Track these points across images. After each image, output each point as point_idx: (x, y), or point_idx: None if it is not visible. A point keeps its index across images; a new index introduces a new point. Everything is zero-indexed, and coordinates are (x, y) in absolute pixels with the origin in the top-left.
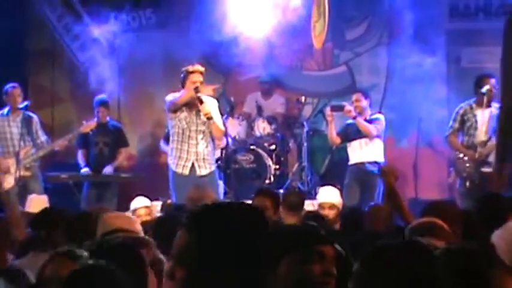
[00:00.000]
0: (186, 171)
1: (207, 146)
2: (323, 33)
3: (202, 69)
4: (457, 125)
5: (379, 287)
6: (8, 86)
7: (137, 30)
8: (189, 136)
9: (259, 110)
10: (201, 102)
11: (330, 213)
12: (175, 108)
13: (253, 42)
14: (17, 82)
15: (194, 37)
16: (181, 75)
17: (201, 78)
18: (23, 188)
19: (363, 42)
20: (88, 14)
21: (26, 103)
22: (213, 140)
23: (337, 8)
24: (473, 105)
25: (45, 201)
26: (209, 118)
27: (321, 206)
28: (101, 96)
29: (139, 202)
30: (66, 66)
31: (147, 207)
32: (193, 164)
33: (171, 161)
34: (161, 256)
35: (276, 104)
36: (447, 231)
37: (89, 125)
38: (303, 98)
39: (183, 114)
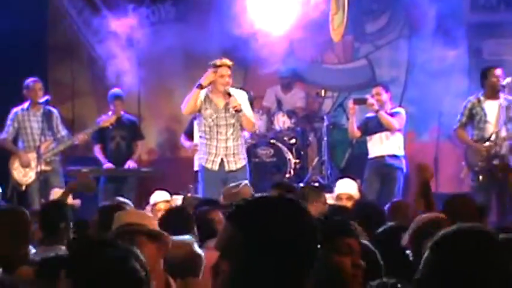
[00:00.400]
0: (216, 167)
1: (236, 141)
2: (342, 25)
3: (230, 63)
4: (464, 119)
5: (451, 272)
6: (29, 80)
7: (156, 24)
8: (217, 132)
9: (279, 104)
10: (229, 95)
11: (347, 205)
12: (195, 110)
13: (273, 36)
14: (37, 77)
15: (213, 31)
16: (208, 70)
17: (228, 72)
18: (44, 183)
19: (384, 35)
20: (107, 8)
21: (46, 98)
22: (242, 135)
23: (357, 1)
24: (481, 98)
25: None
26: (238, 111)
27: (338, 197)
28: (116, 90)
29: (159, 196)
30: (86, 61)
31: (167, 201)
32: (222, 160)
33: (201, 157)
34: None
35: (296, 98)
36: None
37: (108, 119)
38: (322, 92)
39: (208, 112)
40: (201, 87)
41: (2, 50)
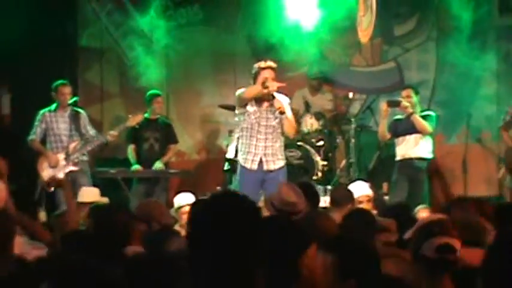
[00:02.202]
0: (255, 166)
1: (276, 141)
2: (370, 27)
3: (274, 65)
4: (508, 118)
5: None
6: (58, 82)
7: (185, 26)
8: (258, 131)
9: (307, 106)
10: (273, 97)
11: (368, 206)
12: (242, 103)
13: (301, 38)
14: (67, 79)
15: (242, 33)
16: (253, 72)
17: (272, 75)
18: (72, 183)
19: (412, 38)
20: (136, 10)
21: (74, 99)
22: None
23: (386, 4)
24: None
25: (97, 193)
26: (282, 113)
27: (358, 200)
28: (153, 91)
29: (183, 199)
30: (115, 63)
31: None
32: (261, 159)
33: (240, 156)
34: None
35: (324, 100)
36: (454, 230)
37: (135, 118)
38: (351, 94)
39: (253, 109)
40: (267, 88)
41: (33, 52)
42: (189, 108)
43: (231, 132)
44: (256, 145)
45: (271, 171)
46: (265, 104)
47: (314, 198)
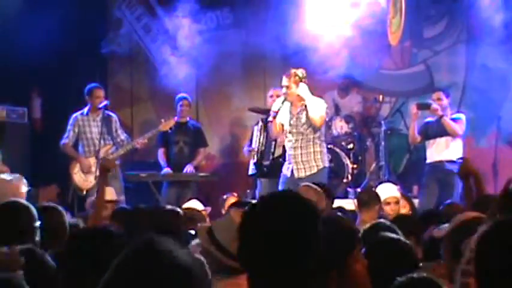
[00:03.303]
0: (288, 173)
1: (306, 148)
2: (399, 29)
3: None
4: None
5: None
6: (92, 85)
7: (214, 30)
8: (287, 139)
9: (337, 108)
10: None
11: (396, 208)
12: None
13: (330, 41)
14: (97, 83)
15: (271, 37)
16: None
17: (285, 83)
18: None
19: (442, 40)
20: (166, 14)
21: (105, 102)
22: (317, 142)
23: (415, 6)
24: None
25: (113, 192)
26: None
27: (386, 202)
28: (182, 94)
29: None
30: (145, 67)
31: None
32: (293, 167)
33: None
34: None
35: (353, 102)
36: None
37: (168, 123)
38: (380, 97)
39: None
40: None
41: (63, 57)
42: (219, 111)
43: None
44: (289, 153)
45: (301, 178)
46: (294, 112)
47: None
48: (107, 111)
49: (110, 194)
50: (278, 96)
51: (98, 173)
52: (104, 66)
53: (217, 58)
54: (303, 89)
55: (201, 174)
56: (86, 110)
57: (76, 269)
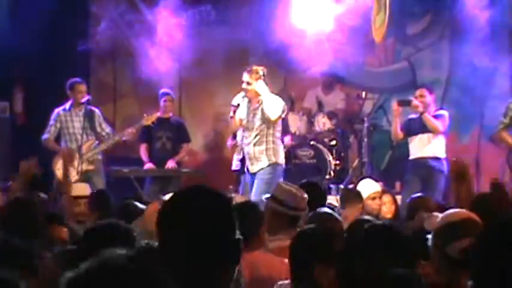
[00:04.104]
0: (244, 168)
1: (259, 145)
2: (383, 26)
3: (248, 69)
4: (507, 121)
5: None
6: (73, 80)
7: (198, 26)
8: (243, 136)
9: (320, 105)
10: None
11: (380, 202)
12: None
13: (314, 37)
14: (80, 78)
15: (255, 33)
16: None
17: (245, 79)
18: (86, 182)
19: (425, 37)
20: (149, 10)
21: (87, 97)
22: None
23: (399, 3)
24: None
25: (87, 187)
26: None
27: (370, 197)
28: (165, 90)
29: None
30: (127, 63)
31: None
32: (248, 163)
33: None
34: None
35: (337, 99)
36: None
37: (150, 117)
38: (363, 94)
39: (238, 118)
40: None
41: (45, 52)
42: (202, 107)
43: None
44: (243, 150)
45: (254, 173)
46: (250, 109)
47: (321, 198)
48: (89, 106)
49: (83, 189)
50: None
51: (80, 168)
52: (87, 62)
53: (200, 54)
54: (260, 86)
55: (184, 169)
56: (68, 105)
57: None
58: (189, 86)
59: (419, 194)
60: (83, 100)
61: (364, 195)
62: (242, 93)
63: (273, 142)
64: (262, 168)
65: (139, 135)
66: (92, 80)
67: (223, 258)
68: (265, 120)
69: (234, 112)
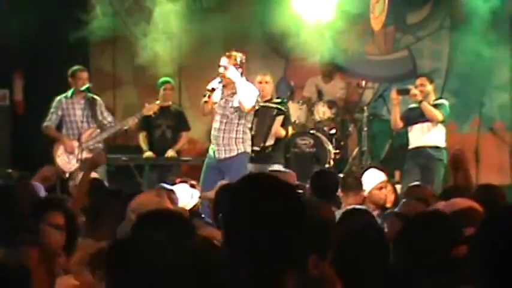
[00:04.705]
0: (211, 153)
1: (229, 133)
2: (383, 14)
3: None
4: None
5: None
6: (75, 68)
7: (198, 13)
8: (214, 120)
9: (320, 94)
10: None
11: (386, 192)
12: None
13: (314, 26)
14: (79, 66)
15: (255, 21)
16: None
17: (223, 63)
18: None
19: (425, 26)
20: None
21: (87, 85)
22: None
23: None
24: None
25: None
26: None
27: (377, 187)
28: (165, 78)
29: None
30: (127, 50)
31: None
32: (215, 149)
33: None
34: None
35: (336, 88)
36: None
37: (151, 107)
38: (363, 83)
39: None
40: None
41: (45, 40)
42: (202, 95)
43: None
44: (213, 134)
45: (221, 160)
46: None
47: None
48: (90, 94)
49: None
50: (267, 82)
51: (80, 156)
52: (86, 50)
53: (200, 42)
54: (232, 72)
55: (184, 158)
56: (69, 92)
57: None
58: (189, 74)
59: (416, 183)
60: (83, 88)
61: (371, 185)
62: (219, 78)
63: (243, 132)
64: (230, 157)
65: (139, 124)
66: (91, 68)
67: (290, 262)
68: (238, 109)
69: (209, 97)
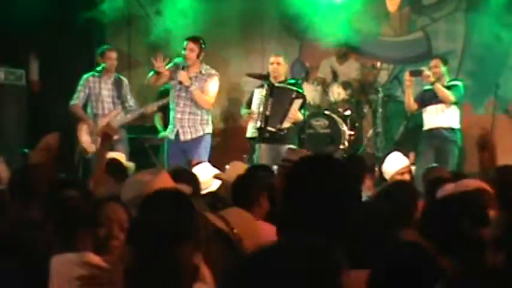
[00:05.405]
0: (173, 136)
1: (194, 114)
2: None
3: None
4: None
5: None
6: (104, 47)
7: None
8: (176, 103)
9: (334, 75)
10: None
11: (408, 178)
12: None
13: (329, 7)
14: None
15: (270, 1)
16: None
17: (189, 46)
18: (110, 151)
19: (441, 8)
20: None
21: (102, 65)
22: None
23: None
24: None
25: (123, 157)
26: (186, 86)
27: (399, 172)
28: (180, 58)
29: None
30: (142, 30)
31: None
32: (178, 131)
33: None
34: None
35: (351, 69)
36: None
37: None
38: (378, 64)
39: (173, 83)
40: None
41: (61, 20)
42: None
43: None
44: (175, 117)
45: (187, 141)
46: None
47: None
48: (118, 75)
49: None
50: (279, 63)
51: None
52: (102, 30)
53: (215, 22)
54: (185, 78)
55: None
56: (98, 71)
57: None
58: (204, 54)
59: (433, 165)
60: (98, 68)
61: (393, 169)
62: (179, 59)
63: (207, 113)
64: (198, 137)
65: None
66: None
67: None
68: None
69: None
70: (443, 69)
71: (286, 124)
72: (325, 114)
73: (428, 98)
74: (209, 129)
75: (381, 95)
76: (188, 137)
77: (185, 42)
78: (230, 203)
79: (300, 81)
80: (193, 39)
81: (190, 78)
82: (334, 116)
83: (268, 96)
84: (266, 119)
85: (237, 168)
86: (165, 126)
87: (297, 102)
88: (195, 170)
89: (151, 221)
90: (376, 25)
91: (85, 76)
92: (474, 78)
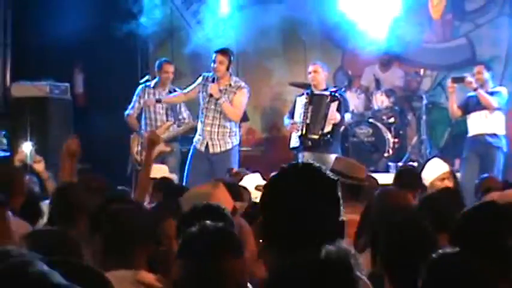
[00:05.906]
0: (202, 148)
1: (223, 127)
2: (441, 2)
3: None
4: None
5: None
6: (162, 60)
7: (256, 4)
8: (205, 115)
9: (377, 83)
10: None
11: (450, 182)
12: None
13: (371, 14)
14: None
15: (313, 11)
16: None
17: (218, 59)
18: (161, 163)
19: (484, 13)
20: None
21: (146, 77)
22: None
23: None
24: None
25: (166, 170)
26: (216, 99)
27: (440, 178)
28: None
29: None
30: (185, 42)
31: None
32: (207, 143)
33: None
34: None
35: (394, 76)
36: None
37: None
38: (421, 71)
39: (202, 95)
40: None
41: (105, 32)
42: (259, 86)
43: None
44: (204, 129)
45: (216, 153)
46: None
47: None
48: (173, 87)
49: (160, 171)
50: (316, 72)
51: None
52: (146, 42)
53: (257, 33)
54: (216, 91)
55: (242, 148)
56: (153, 82)
57: None
58: (247, 65)
59: (485, 175)
60: (142, 80)
61: (433, 175)
62: (209, 73)
63: (235, 125)
64: (227, 150)
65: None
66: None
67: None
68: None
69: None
70: (486, 75)
71: (327, 128)
72: (369, 122)
73: (472, 104)
74: (237, 140)
75: (424, 102)
76: (217, 149)
77: (214, 55)
78: None
79: (343, 90)
80: (222, 51)
81: (220, 91)
82: (378, 123)
83: (308, 105)
84: (307, 127)
85: None
86: None
87: (334, 105)
88: (245, 180)
89: (200, 234)
90: (419, 32)
91: (140, 86)
92: None
